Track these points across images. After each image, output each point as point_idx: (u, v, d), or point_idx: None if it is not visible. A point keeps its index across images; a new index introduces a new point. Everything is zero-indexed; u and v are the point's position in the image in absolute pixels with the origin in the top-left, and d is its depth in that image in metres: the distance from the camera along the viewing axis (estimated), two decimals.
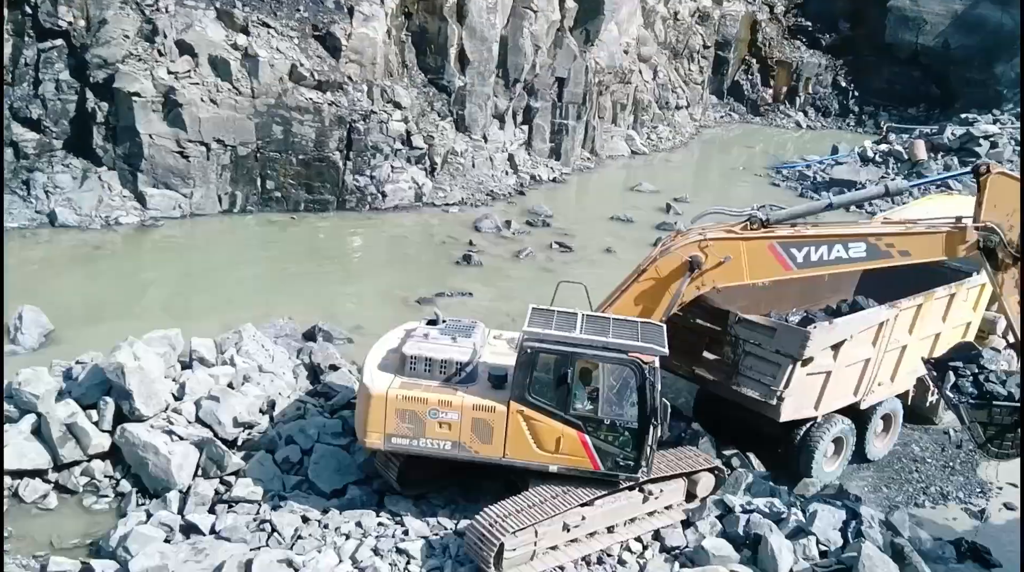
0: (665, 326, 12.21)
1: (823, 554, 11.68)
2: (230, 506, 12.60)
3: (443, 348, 12.23)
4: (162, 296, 21.36)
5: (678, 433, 14.36)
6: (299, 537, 11.99)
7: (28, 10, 25.87)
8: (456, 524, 12.18)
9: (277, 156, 27.63)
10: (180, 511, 12.50)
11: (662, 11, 46.87)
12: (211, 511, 12.56)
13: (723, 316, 14.35)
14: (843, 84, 53.91)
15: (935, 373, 12.87)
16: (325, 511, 12.48)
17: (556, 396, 11.61)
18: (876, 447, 15.63)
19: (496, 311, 20.62)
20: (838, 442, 14.77)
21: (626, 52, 42.52)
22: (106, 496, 13.14)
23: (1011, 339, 13.12)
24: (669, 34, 48.35)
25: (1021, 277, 12.20)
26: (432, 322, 13.07)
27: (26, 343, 17.57)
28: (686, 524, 12.39)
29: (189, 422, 13.85)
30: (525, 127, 36.06)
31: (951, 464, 15.78)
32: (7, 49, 25.83)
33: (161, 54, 26.37)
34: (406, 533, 12.06)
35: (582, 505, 11.66)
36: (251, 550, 11.49)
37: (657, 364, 11.48)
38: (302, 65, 28.26)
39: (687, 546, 11.94)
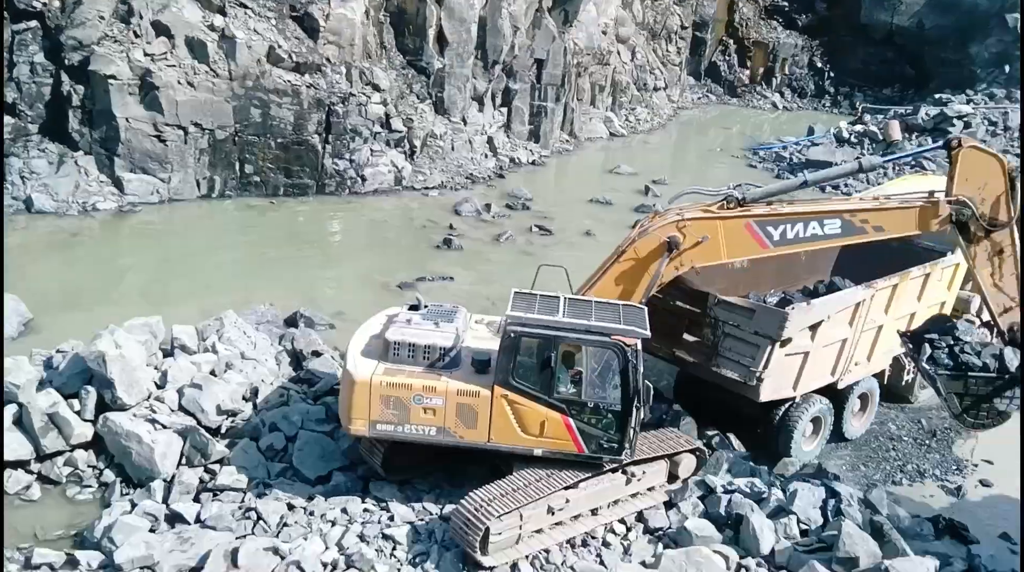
0: (646, 309, 12.31)
1: (804, 533, 11.86)
2: (215, 494, 12.60)
3: (426, 333, 12.25)
4: (141, 283, 21.22)
5: (659, 415, 14.49)
6: (285, 524, 12.01)
7: None
8: (441, 509, 12.25)
9: (255, 140, 27.42)
10: (165, 500, 12.48)
11: None
12: (196, 500, 12.55)
13: (702, 298, 14.48)
14: (819, 65, 54.14)
15: (911, 346, 13.04)
16: (310, 498, 12.51)
17: (540, 380, 11.68)
18: (853, 426, 15.88)
19: (477, 295, 20.67)
20: (816, 422, 15.01)
21: (604, 33, 42.45)
22: (90, 486, 13.09)
23: (985, 317, 13.34)
24: (647, 15, 48.29)
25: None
26: (414, 307, 13.08)
27: (5, 332, 17.33)
28: (669, 505, 12.53)
29: (172, 410, 13.81)
30: (504, 109, 36.00)
31: (927, 442, 16.06)
32: None
33: (137, 35, 26.04)
34: (392, 519, 12.10)
35: (566, 488, 11.76)
36: (237, 538, 11.50)
37: (639, 346, 11.58)
38: (280, 47, 28.01)
39: (670, 527, 12.08)
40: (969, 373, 12.27)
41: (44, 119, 25.84)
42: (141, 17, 26.14)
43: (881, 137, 38.64)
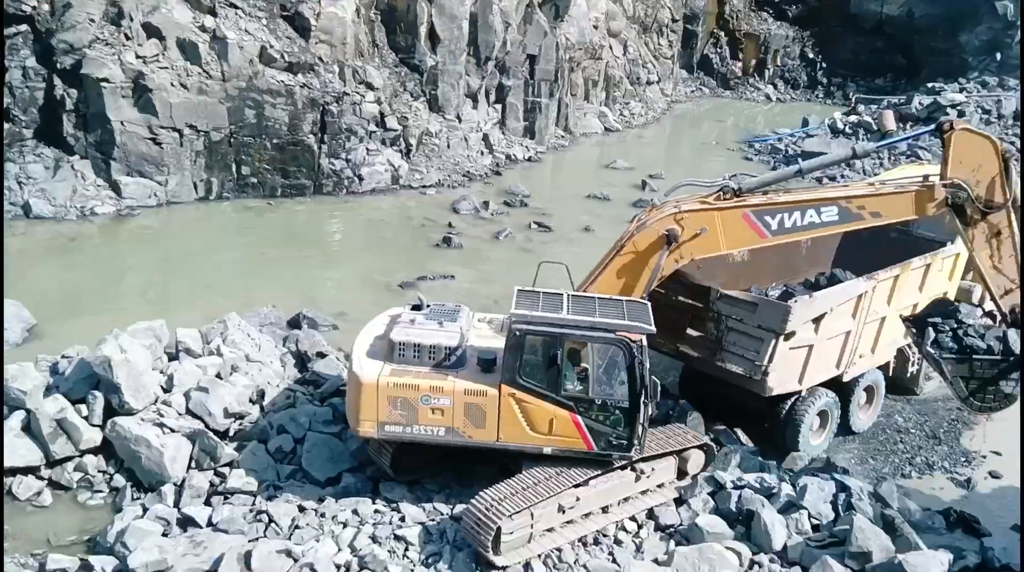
0: (650, 304, 12.35)
1: (815, 528, 11.90)
2: (226, 498, 12.61)
3: (431, 333, 12.23)
4: (142, 286, 21.18)
5: (666, 411, 14.55)
6: (296, 527, 12.02)
7: None
8: (452, 509, 12.27)
9: (251, 141, 27.37)
10: (176, 504, 12.49)
11: None
12: (207, 503, 12.55)
13: (705, 293, 14.50)
14: (811, 56, 54.27)
15: (915, 330, 13.02)
16: (321, 500, 12.52)
17: (546, 378, 11.68)
18: (860, 419, 15.91)
19: (478, 294, 20.69)
20: (823, 415, 15.03)
21: (596, 27, 42.47)
22: (100, 491, 13.08)
23: (987, 307, 13.38)
24: (637, 8, 48.30)
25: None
26: (416, 307, 13.06)
27: (9, 338, 17.31)
28: (679, 502, 12.56)
29: (179, 414, 13.80)
30: (498, 106, 35.98)
31: (935, 434, 16.08)
32: None
33: (128, 38, 25.96)
34: (403, 520, 12.11)
35: (576, 486, 11.79)
36: (249, 541, 11.51)
37: (644, 342, 11.60)
38: (272, 47, 27.95)
39: (681, 524, 12.12)
40: (974, 356, 12.27)
41: (39, 124, 25.76)
42: (131, 19, 26.06)
43: (876, 127, 38.78)
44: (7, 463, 12.85)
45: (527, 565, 11.29)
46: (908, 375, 16.87)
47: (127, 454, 13.17)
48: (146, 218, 25.26)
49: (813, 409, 14.68)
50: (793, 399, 14.59)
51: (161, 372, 14.54)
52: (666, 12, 50.19)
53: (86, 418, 13.49)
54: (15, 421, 13.31)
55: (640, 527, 12.21)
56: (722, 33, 54.24)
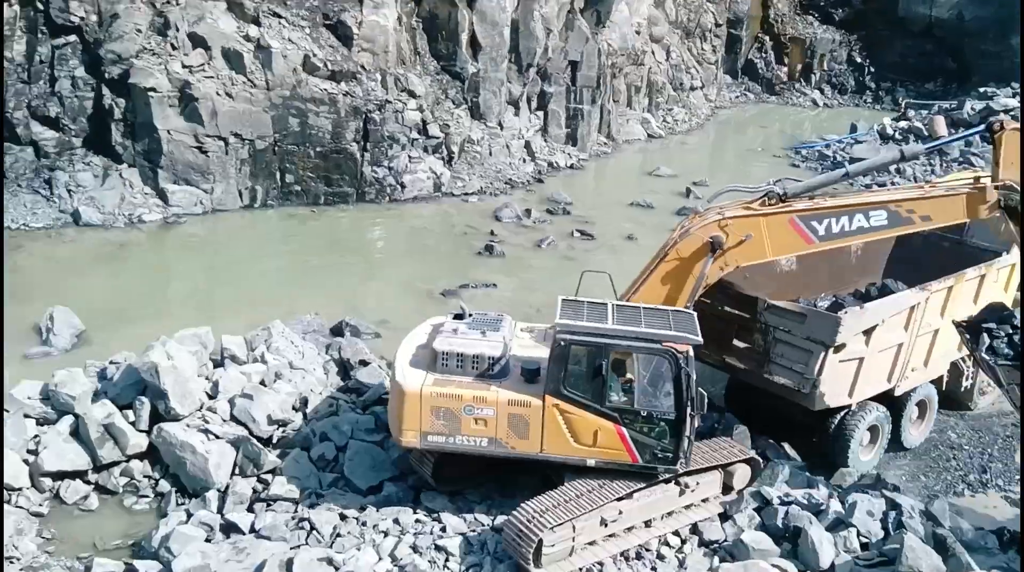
0: (695, 314, 12.16)
1: (864, 546, 11.60)
2: (268, 505, 12.69)
3: (474, 343, 12.16)
4: (188, 293, 21.47)
5: (711, 424, 14.33)
6: (338, 535, 12.06)
7: (40, 6, 25.87)
8: (493, 520, 12.20)
9: (295, 149, 27.62)
10: (219, 510, 12.61)
11: None
12: (250, 510, 12.65)
13: (752, 303, 14.27)
14: (858, 60, 53.32)
15: (968, 336, 12.64)
16: (362, 508, 12.53)
17: (591, 389, 11.56)
18: (912, 435, 15.53)
19: (521, 302, 20.62)
20: (873, 430, 14.70)
21: (638, 33, 42.18)
22: (146, 496, 13.28)
23: None
24: (680, 13, 47.88)
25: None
26: (459, 316, 13.01)
27: (59, 344, 17.70)
28: (724, 517, 12.35)
29: (224, 421, 13.94)
30: (540, 113, 35.88)
31: (988, 450, 15.64)
32: (22, 47, 25.85)
33: (174, 48, 26.37)
34: (444, 530, 12.09)
35: (619, 499, 11.64)
36: (291, 549, 11.57)
37: (691, 353, 11.44)
38: (315, 55, 28.18)
39: (726, 540, 11.92)
40: None
41: (88, 132, 26.28)
42: (177, 29, 26.46)
43: (927, 133, 37.99)
44: (56, 467, 13.09)
45: None
46: (962, 389, 16.45)
47: (172, 460, 13.31)
48: (192, 226, 25.61)
49: (863, 424, 14.36)
50: (843, 413, 14.28)
51: (207, 378, 14.71)
52: (709, 17, 49.72)
53: (133, 424, 13.70)
54: (64, 425, 13.57)
55: (684, 542, 12.04)
56: (767, 37, 53.54)
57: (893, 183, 30.71)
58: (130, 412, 13.80)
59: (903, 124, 39.87)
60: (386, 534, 12.05)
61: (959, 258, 16.26)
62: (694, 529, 12.19)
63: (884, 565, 11.10)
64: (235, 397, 14.21)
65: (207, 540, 11.93)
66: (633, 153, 38.49)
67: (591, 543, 11.55)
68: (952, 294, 14.86)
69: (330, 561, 11.24)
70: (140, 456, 13.59)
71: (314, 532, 12.08)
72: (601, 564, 11.45)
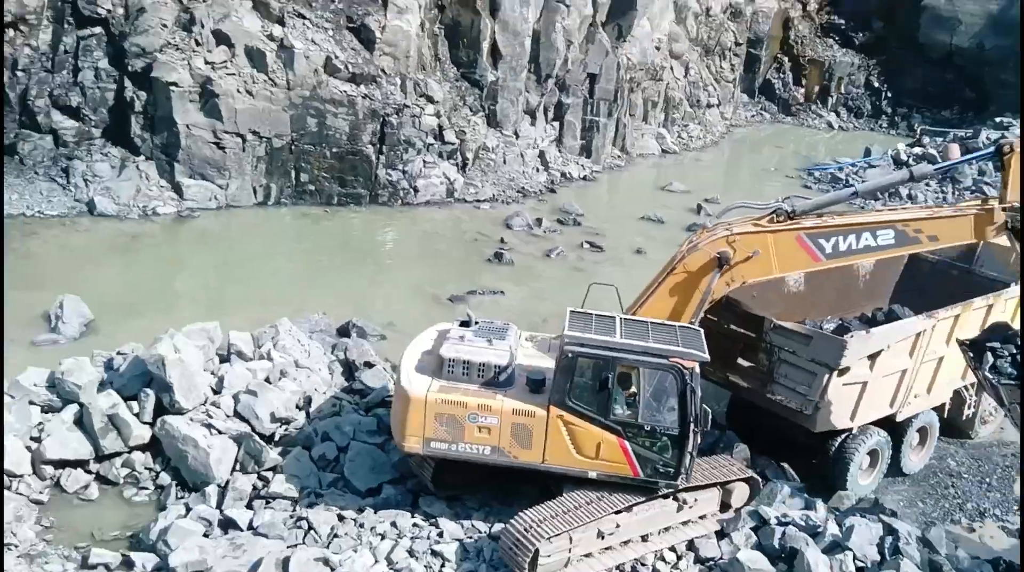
0: (703, 330, 12.21)
1: (860, 570, 11.61)
2: (267, 502, 12.75)
3: (481, 351, 12.22)
4: (199, 287, 21.59)
5: (711, 441, 14.34)
6: (335, 535, 12.10)
7: None
8: (490, 527, 12.23)
9: (311, 149, 27.77)
10: (218, 506, 12.67)
11: (694, 7, 46.47)
12: (249, 506, 12.71)
13: (758, 322, 14.30)
14: (876, 84, 53.28)
15: (972, 354, 12.62)
16: (360, 510, 12.57)
17: (596, 401, 11.60)
18: (912, 461, 15.51)
19: (529, 311, 20.67)
20: (873, 454, 14.68)
21: (658, 48, 42.25)
22: (146, 488, 13.34)
23: None
24: (701, 31, 47.97)
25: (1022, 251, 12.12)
26: (465, 324, 13.03)
27: (67, 332, 17.82)
28: (720, 535, 12.36)
29: (227, 416, 14.03)
30: (556, 123, 35.97)
31: (988, 480, 15.62)
32: (47, 36, 26.11)
33: (198, 44, 26.56)
34: (440, 535, 12.12)
35: (617, 512, 11.67)
36: (288, 547, 11.62)
37: (698, 369, 11.48)
38: (337, 57, 28.34)
39: (721, 557, 11.92)
40: None
41: (108, 123, 26.54)
42: (202, 26, 26.66)
43: (940, 160, 37.89)
44: (58, 455, 13.17)
45: None
46: (964, 418, 16.41)
47: (174, 453, 13.39)
48: (205, 220, 25.76)
49: (864, 447, 14.35)
50: (844, 436, 14.28)
51: (212, 373, 14.80)
52: (730, 35, 49.80)
53: (137, 415, 13.78)
54: (68, 414, 13.66)
55: (679, 558, 12.06)
56: (786, 58, 53.55)
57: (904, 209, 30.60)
58: (135, 403, 13.89)
59: (917, 150, 39.80)
60: (383, 537, 12.09)
61: (967, 287, 16.27)
62: (690, 546, 12.21)
63: None
64: (240, 393, 14.30)
65: (205, 535, 11.99)
66: (647, 167, 38.54)
67: (587, 555, 11.59)
68: (959, 323, 14.83)
69: (326, 562, 11.29)
70: (142, 448, 13.67)
71: (312, 532, 12.13)
72: None
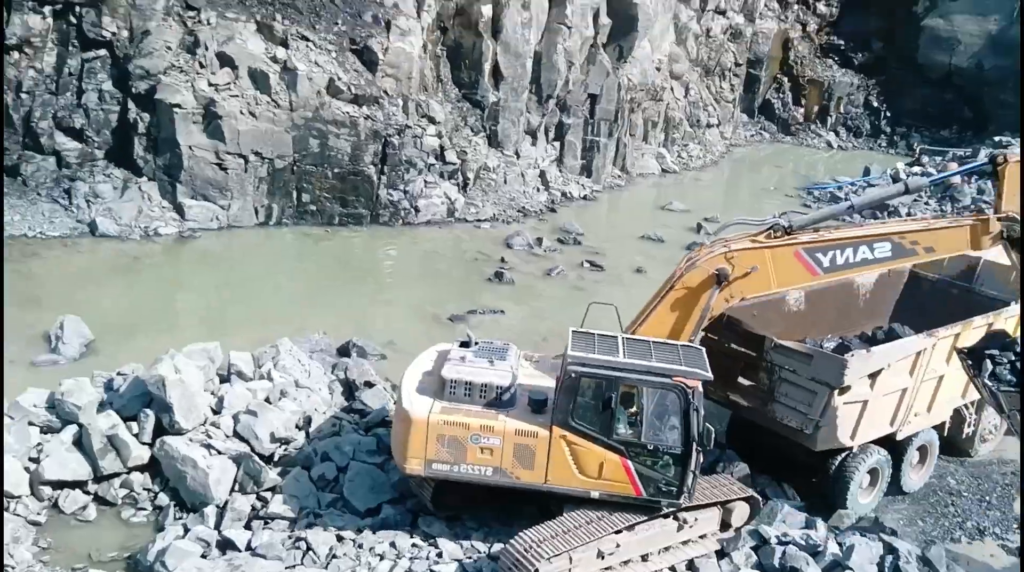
0: (704, 349, 12.22)
1: None
2: (266, 522, 12.72)
3: (482, 372, 12.23)
4: (200, 307, 21.63)
5: (712, 460, 14.30)
6: (334, 556, 12.06)
7: (73, 20, 26.34)
8: (490, 548, 12.19)
9: (313, 169, 27.89)
10: (217, 526, 12.62)
11: (694, 28, 46.79)
12: (247, 527, 12.67)
13: (758, 341, 14.31)
14: (875, 104, 53.54)
15: (971, 362, 12.67)
16: (359, 530, 12.54)
17: (599, 421, 11.60)
18: (912, 479, 15.46)
19: (529, 330, 20.69)
20: (874, 473, 14.64)
21: (658, 69, 42.51)
22: (144, 509, 13.30)
23: None
24: (701, 51, 48.27)
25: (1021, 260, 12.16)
26: (465, 344, 13.05)
27: (67, 353, 17.84)
28: (720, 555, 12.33)
29: (227, 436, 14.01)
30: (557, 143, 36.17)
31: (987, 498, 15.58)
32: (52, 59, 26.32)
33: (202, 66, 26.75)
34: (440, 555, 12.08)
35: (617, 532, 11.64)
36: (286, 568, 11.64)
37: (700, 388, 11.50)
38: (339, 79, 28.53)
39: None
40: None
41: (110, 145, 26.69)
42: (207, 48, 26.86)
43: (940, 180, 37.99)
44: (57, 476, 13.15)
45: None
46: (963, 436, 16.39)
47: (173, 473, 13.37)
48: (207, 240, 25.85)
49: (864, 466, 14.31)
50: (844, 455, 14.24)
51: (212, 393, 14.80)
52: (730, 56, 50.10)
53: (136, 436, 13.77)
54: (67, 435, 13.65)
55: None
56: (785, 79, 53.86)
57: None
58: (134, 424, 13.88)
59: (917, 169, 39.92)
60: (382, 557, 12.06)
61: (967, 305, 16.28)
62: (690, 565, 12.17)
63: None
64: (239, 413, 14.29)
65: (203, 556, 11.94)
66: (647, 187, 38.68)
67: None
68: (959, 341, 14.80)
69: None
70: (141, 468, 13.65)
71: (310, 552, 12.08)
72: None
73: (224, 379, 15.31)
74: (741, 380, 14.60)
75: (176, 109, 25.95)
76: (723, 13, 48.84)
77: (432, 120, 30.83)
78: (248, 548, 12.13)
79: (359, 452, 14.02)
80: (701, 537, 12.50)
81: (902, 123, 52.43)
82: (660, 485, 11.65)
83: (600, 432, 11.58)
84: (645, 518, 11.83)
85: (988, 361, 12.27)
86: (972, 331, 14.94)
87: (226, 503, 12.98)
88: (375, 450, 14.13)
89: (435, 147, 30.39)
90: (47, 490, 13.12)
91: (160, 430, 13.83)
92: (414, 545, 12.28)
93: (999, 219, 12.34)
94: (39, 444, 13.59)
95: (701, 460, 11.72)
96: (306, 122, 27.63)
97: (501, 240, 28.41)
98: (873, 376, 13.79)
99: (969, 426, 16.31)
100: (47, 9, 25.91)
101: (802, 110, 53.38)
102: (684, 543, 12.34)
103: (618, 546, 11.66)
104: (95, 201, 25.56)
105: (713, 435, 11.58)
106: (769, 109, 53.43)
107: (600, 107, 36.51)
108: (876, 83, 53.73)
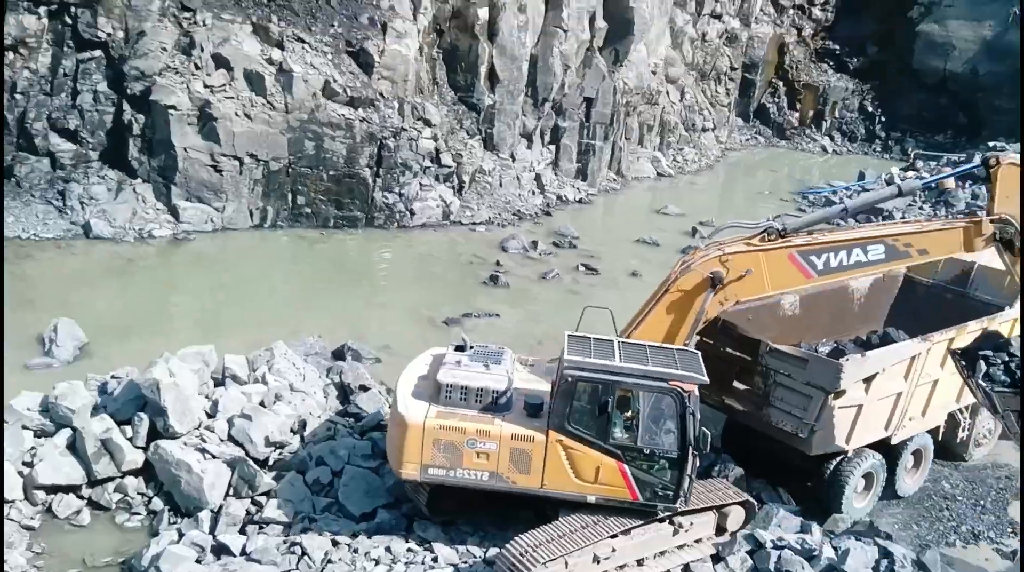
0: (699, 353, 12.23)
1: None
2: (261, 527, 12.66)
3: (478, 376, 12.17)
4: (194, 310, 21.56)
5: (707, 464, 14.30)
6: (329, 561, 11.99)
7: (68, 20, 26.27)
8: (485, 552, 12.17)
9: (308, 172, 27.85)
10: (211, 531, 12.56)
11: (690, 32, 46.90)
12: (242, 532, 12.61)
13: (753, 346, 14.32)
14: (870, 109, 53.71)
15: (964, 363, 12.71)
16: (355, 535, 12.49)
17: (596, 425, 11.59)
18: (906, 483, 15.48)
19: (524, 334, 20.67)
20: (868, 477, 14.65)
21: (654, 73, 42.58)
22: (138, 513, 13.21)
23: None
24: (697, 55, 48.38)
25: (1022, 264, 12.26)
26: (460, 348, 13.00)
27: (61, 356, 17.76)
28: (716, 559, 12.31)
29: (221, 440, 13.94)
30: (552, 147, 36.20)
31: (982, 502, 15.59)
32: (47, 59, 26.24)
33: (198, 67, 26.70)
34: (435, 560, 12.05)
35: (612, 536, 11.62)
36: None
37: (697, 392, 11.50)
38: (335, 81, 28.50)
39: None
40: None
41: (105, 146, 26.60)
42: (202, 50, 26.82)
43: (934, 184, 38.07)
44: (50, 480, 13.06)
45: None
46: (958, 441, 16.43)
47: (167, 477, 13.31)
48: (201, 243, 25.79)
49: (859, 470, 14.32)
50: (839, 459, 14.25)
51: (207, 397, 14.73)
52: (725, 60, 50.22)
53: (130, 439, 13.69)
54: (60, 439, 13.56)
55: None
56: (780, 83, 54.03)
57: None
58: (128, 428, 13.79)
59: (911, 174, 40.03)
60: (377, 562, 12.01)
61: (962, 310, 16.33)
62: (686, 570, 12.15)
63: None
64: (234, 417, 14.23)
65: (197, 561, 11.85)
66: (642, 190, 38.73)
67: None
68: (953, 346, 14.84)
69: None
70: (135, 473, 13.57)
71: (305, 557, 12.01)
72: None
73: (218, 382, 15.26)
74: (736, 384, 14.62)
75: (171, 110, 25.89)
76: (719, 17, 48.96)
77: (428, 123, 30.82)
78: (243, 553, 12.04)
79: (354, 456, 13.98)
80: (697, 541, 12.49)
81: (897, 128, 52.62)
82: (656, 489, 11.64)
83: (596, 436, 11.56)
84: (641, 522, 11.80)
85: (982, 362, 12.33)
86: (966, 336, 14.96)
87: (221, 508, 12.93)
88: (370, 454, 14.09)
89: (430, 150, 30.38)
90: (41, 494, 13.04)
91: (154, 434, 13.75)
92: (409, 550, 12.24)
93: (992, 221, 12.42)
94: (32, 448, 13.49)
95: (697, 464, 11.70)
96: (301, 124, 27.60)
97: (496, 243, 28.40)
98: (868, 380, 13.82)
99: (963, 430, 16.36)
100: (42, 9, 25.84)
101: (797, 114, 53.54)
102: (680, 547, 12.31)
103: (614, 550, 11.63)
104: (89, 203, 25.48)
105: (709, 439, 11.57)
106: (764, 113, 53.58)
107: (596, 110, 36.55)
108: (871, 88, 53.92)
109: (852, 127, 53.42)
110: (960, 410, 15.97)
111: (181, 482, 13.08)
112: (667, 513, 11.89)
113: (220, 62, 26.94)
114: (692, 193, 39.28)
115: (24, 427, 13.69)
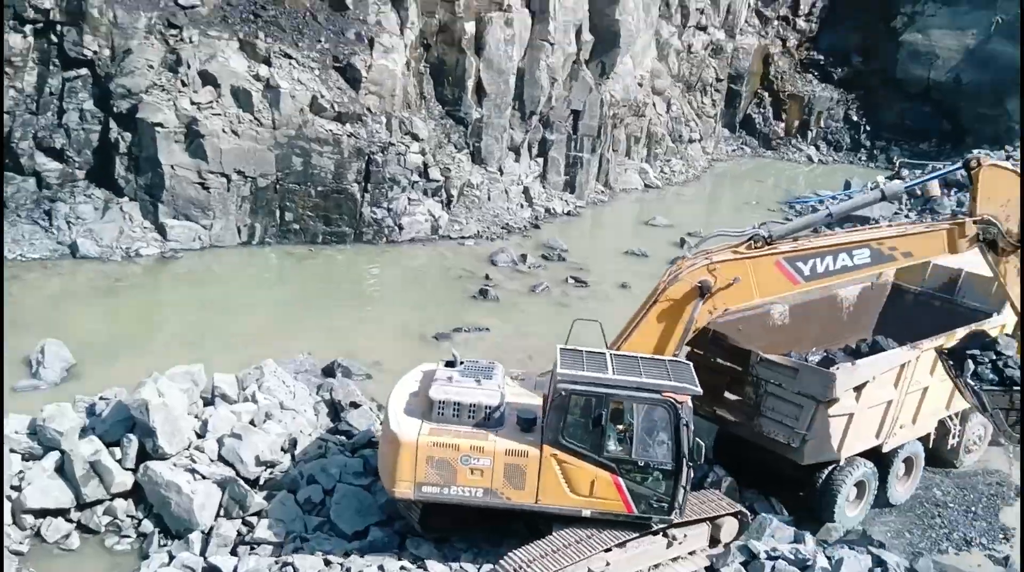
0: (691, 364, 12.24)
1: None
2: (252, 548, 12.58)
3: (470, 392, 12.12)
4: (182, 329, 21.41)
5: (700, 475, 14.28)
6: None
7: (54, 39, 26.23)
8: (479, 568, 12.11)
9: (296, 188, 27.82)
10: (202, 553, 12.48)
11: (676, 44, 47.14)
12: (233, 553, 12.55)
13: (744, 356, 14.34)
14: (855, 118, 54.05)
15: (952, 362, 12.78)
16: (347, 554, 12.43)
17: (590, 438, 11.57)
18: (898, 491, 15.51)
19: (514, 348, 20.62)
20: (860, 486, 14.67)
21: (640, 85, 42.75)
22: (128, 536, 13.11)
23: None
24: (682, 67, 48.62)
25: (1022, 265, 12.34)
26: (450, 363, 12.97)
27: (48, 377, 17.64)
28: (710, 571, 12.29)
29: (211, 460, 13.86)
30: (540, 160, 36.25)
31: (973, 509, 15.64)
32: (32, 78, 26.16)
33: (184, 84, 26.67)
34: None
35: (607, 550, 11.58)
36: None
37: (690, 403, 11.51)
38: (323, 96, 28.51)
39: None
40: (1015, 387, 12.01)
41: (92, 165, 26.51)
42: (189, 67, 26.79)
43: (920, 193, 38.31)
44: (39, 504, 12.96)
45: None
46: (948, 448, 16.49)
47: (157, 499, 13.21)
48: (189, 261, 25.68)
49: (851, 479, 14.34)
50: (831, 468, 14.27)
51: (196, 417, 14.65)
52: (711, 71, 50.47)
53: (119, 461, 13.58)
54: (49, 462, 13.45)
55: None
56: (766, 94, 54.32)
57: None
58: (117, 449, 13.68)
59: (897, 182, 40.20)
60: None
61: (950, 317, 16.42)
62: None
63: None
64: (224, 437, 14.14)
65: None
66: (630, 202, 38.82)
67: None
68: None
69: None
70: (124, 495, 13.46)
71: None
72: None
73: (208, 402, 15.18)
74: (727, 395, 14.63)
75: (158, 128, 25.83)
76: (704, 29, 49.25)
77: (415, 137, 30.84)
78: None
79: (345, 474, 13.92)
80: (691, 553, 12.48)
81: (882, 137, 52.96)
82: (651, 501, 11.63)
83: (591, 450, 11.55)
84: (635, 535, 11.77)
85: (970, 361, 12.41)
86: (955, 343, 15.04)
87: (211, 529, 12.85)
88: (361, 472, 14.02)
89: (418, 164, 30.37)
90: (29, 519, 12.93)
91: (143, 455, 13.65)
92: (403, 568, 12.17)
93: (975, 222, 12.52)
94: (20, 471, 13.38)
95: (691, 475, 11.69)
96: (289, 140, 27.58)
97: (485, 257, 28.40)
98: (858, 389, 13.86)
99: (954, 437, 16.41)
100: (28, 28, 25.81)
101: (783, 125, 53.82)
102: (674, 560, 12.31)
103: (608, 564, 11.60)
104: (76, 222, 25.36)
105: (703, 450, 11.57)
106: (750, 124, 53.83)
107: (583, 123, 36.66)
108: (856, 97, 54.27)
109: (837, 136, 53.74)
110: (950, 417, 16.03)
111: (171, 503, 12.99)
112: (661, 525, 11.85)
113: (207, 79, 26.92)
114: (680, 204, 39.39)
115: (12, 450, 13.57)
